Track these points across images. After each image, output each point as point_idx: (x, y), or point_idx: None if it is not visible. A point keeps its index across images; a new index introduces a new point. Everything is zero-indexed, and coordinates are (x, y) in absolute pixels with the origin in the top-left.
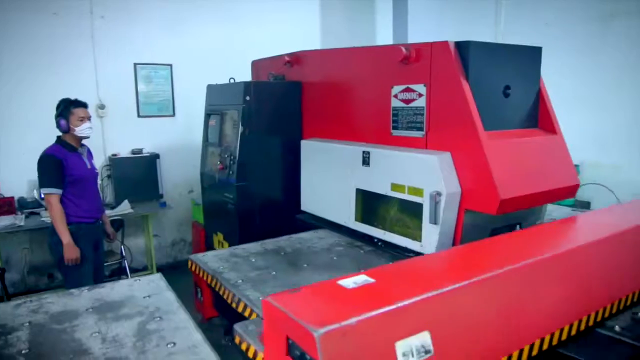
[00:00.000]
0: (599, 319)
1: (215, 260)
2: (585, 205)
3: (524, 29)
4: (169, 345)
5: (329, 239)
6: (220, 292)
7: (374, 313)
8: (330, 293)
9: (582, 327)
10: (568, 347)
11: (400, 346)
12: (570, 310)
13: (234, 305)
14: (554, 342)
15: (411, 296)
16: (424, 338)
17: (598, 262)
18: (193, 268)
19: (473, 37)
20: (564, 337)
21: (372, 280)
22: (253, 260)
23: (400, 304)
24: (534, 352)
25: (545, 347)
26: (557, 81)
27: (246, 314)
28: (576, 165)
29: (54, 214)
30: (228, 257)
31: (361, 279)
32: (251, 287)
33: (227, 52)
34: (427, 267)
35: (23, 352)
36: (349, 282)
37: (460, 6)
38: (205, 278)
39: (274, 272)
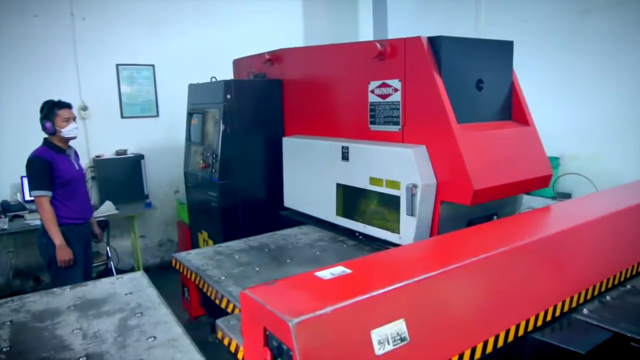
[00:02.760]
0: (573, 304)
1: (199, 258)
2: (567, 196)
3: (504, 25)
4: (149, 340)
5: (312, 234)
6: (204, 289)
7: (349, 302)
8: (307, 284)
9: (557, 312)
10: (543, 332)
11: (376, 334)
12: (544, 296)
13: (217, 301)
14: (530, 328)
15: (386, 285)
16: (399, 326)
17: (571, 249)
18: (177, 266)
19: (453, 34)
20: (539, 323)
21: (348, 270)
22: (237, 257)
23: (375, 293)
24: (510, 338)
25: (520, 333)
26: (536, 75)
27: (229, 309)
28: (556, 157)
29: (46, 216)
30: (212, 254)
31: (338, 270)
32: (234, 283)
33: (209, 52)
34: (403, 257)
35: (4, 350)
36: (326, 273)
37: (440, 4)
38: (189, 276)
39: (257, 268)
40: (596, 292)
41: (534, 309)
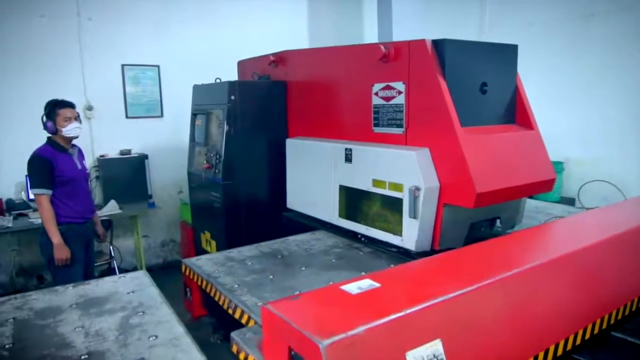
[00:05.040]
0: (612, 322)
1: (210, 264)
2: (570, 202)
3: (509, 29)
4: (150, 338)
5: (326, 240)
6: (216, 298)
7: (382, 321)
8: (333, 299)
9: (596, 330)
10: (583, 352)
11: (412, 356)
12: (583, 313)
13: (230, 311)
14: (569, 347)
15: (420, 302)
16: (435, 347)
17: (609, 262)
18: (187, 272)
19: (458, 38)
20: (578, 341)
21: (377, 284)
22: (249, 263)
23: (409, 310)
24: (549, 358)
25: (559, 352)
26: (540, 79)
27: (243, 320)
28: (560, 162)
29: (44, 215)
30: (223, 260)
31: (365, 283)
32: (248, 292)
33: (214, 53)
34: (432, 270)
35: (7, 346)
36: (353, 287)
37: (445, 7)
38: (199, 283)
39: (271, 276)
40: (634, 308)
41: (572, 327)
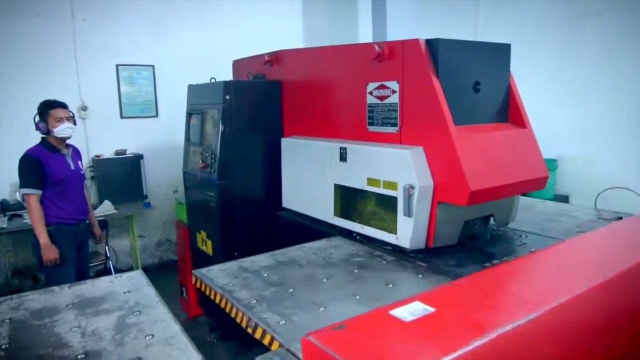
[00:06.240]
0: None
1: (223, 276)
2: (564, 199)
3: (503, 28)
4: (147, 337)
5: (345, 247)
6: (232, 314)
7: (450, 357)
8: (385, 329)
9: None
10: None
11: None
12: None
13: (249, 330)
14: None
15: (486, 331)
16: None
17: None
18: (198, 284)
19: (452, 38)
20: None
21: (430, 309)
22: (265, 275)
23: (477, 343)
24: None
25: None
26: (534, 78)
27: (265, 341)
28: (554, 160)
29: (32, 215)
30: (237, 271)
31: (418, 308)
32: (267, 308)
33: (209, 53)
34: (487, 290)
35: (3, 347)
36: (404, 312)
37: (440, 8)
38: (212, 297)
39: (291, 289)
40: None
41: None
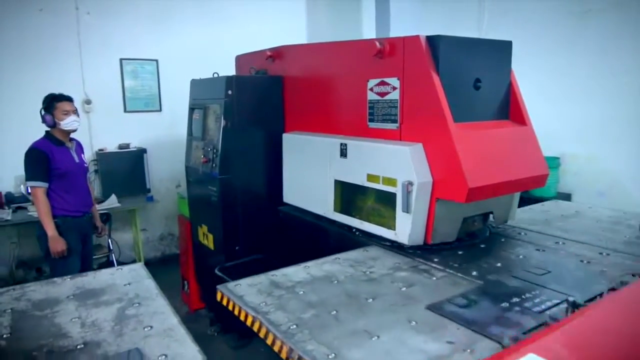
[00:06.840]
0: None
1: (254, 293)
2: (567, 197)
3: (506, 26)
4: (145, 329)
5: (385, 260)
6: (268, 342)
7: None
8: None
9: None
10: None
11: None
12: None
13: None
14: None
15: None
16: None
17: None
18: (225, 302)
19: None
20: None
21: None
22: (301, 292)
23: None
24: None
25: None
26: (536, 76)
27: None
28: (556, 157)
29: (40, 207)
30: (268, 287)
31: None
32: (310, 336)
33: (212, 48)
34: (614, 330)
35: (4, 336)
36: None
37: (443, 5)
38: (243, 318)
39: (334, 312)
40: None
41: None
